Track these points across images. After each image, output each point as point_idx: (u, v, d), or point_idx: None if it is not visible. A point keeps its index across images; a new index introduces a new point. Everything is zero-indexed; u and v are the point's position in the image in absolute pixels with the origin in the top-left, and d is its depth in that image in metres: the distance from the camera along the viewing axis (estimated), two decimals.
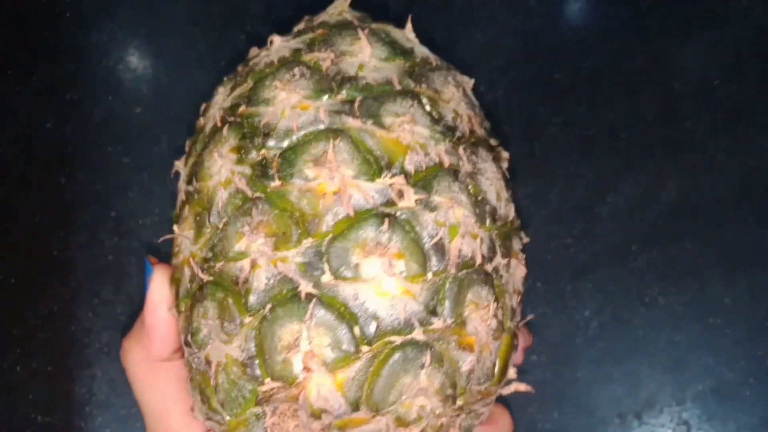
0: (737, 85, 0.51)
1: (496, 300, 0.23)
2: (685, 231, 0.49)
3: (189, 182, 0.26)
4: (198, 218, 0.24)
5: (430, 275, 0.22)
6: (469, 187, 0.24)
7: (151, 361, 0.27)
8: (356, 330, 0.21)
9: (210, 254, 0.23)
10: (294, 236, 0.22)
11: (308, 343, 0.21)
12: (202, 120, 0.29)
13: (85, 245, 0.45)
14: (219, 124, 0.25)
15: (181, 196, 0.26)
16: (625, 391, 0.47)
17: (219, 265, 0.23)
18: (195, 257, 0.23)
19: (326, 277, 0.21)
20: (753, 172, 0.50)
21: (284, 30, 0.49)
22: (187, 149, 0.29)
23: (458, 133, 0.25)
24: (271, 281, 0.22)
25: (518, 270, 0.26)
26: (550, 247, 0.48)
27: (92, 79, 0.48)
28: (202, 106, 0.29)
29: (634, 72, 0.51)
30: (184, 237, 0.24)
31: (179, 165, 0.28)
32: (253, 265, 0.22)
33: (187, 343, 0.24)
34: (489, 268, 0.24)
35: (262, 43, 0.49)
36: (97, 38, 0.49)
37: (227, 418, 0.22)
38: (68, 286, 0.45)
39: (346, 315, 0.21)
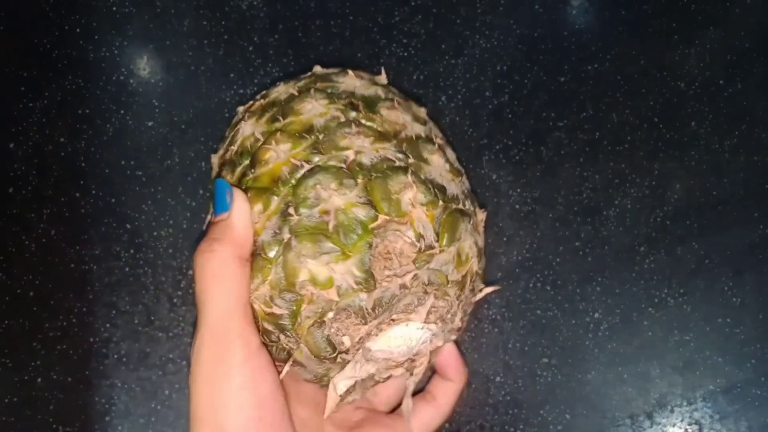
0: (741, 84, 0.51)
1: None
2: (692, 231, 0.49)
3: (273, 122, 0.33)
4: (296, 135, 0.32)
5: (460, 178, 0.35)
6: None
7: (235, 259, 0.30)
8: (434, 190, 0.31)
9: (314, 150, 0.31)
10: (384, 139, 0.32)
11: (413, 187, 0.30)
12: (262, 101, 0.36)
13: (101, 258, 0.46)
14: (297, 92, 0.34)
15: (260, 136, 0.33)
16: (635, 391, 0.47)
17: (326, 156, 0.31)
18: (297, 156, 0.31)
19: (411, 160, 0.32)
20: (759, 171, 0.50)
21: (292, 40, 0.50)
22: (244, 116, 0.36)
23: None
24: (374, 160, 0.31)
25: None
26: (558, 251, 0.49)
27: (103, 94, 0.49)
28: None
29: (638, 74, 0.52)
30: (279, 150, 0.32)
31: (241, 110, 0.37)
32: (358, 152, 0.31)
33: (288, 214, 0.30)
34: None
35: (270, 54, 0.50)
36: (107, 53, 0.50)
37: (341, 249, 0.29)
38: (85, 299, 0.45)
39: (427, 180, 0.31)
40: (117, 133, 0.48)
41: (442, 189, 0.32)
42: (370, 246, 0.29)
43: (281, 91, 0.36)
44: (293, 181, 0.30)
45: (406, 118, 0.34)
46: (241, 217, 0.30)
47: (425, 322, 0.30)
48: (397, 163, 0.31)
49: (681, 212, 0.49)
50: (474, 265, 0.32)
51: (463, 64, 0.51)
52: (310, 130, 0.32)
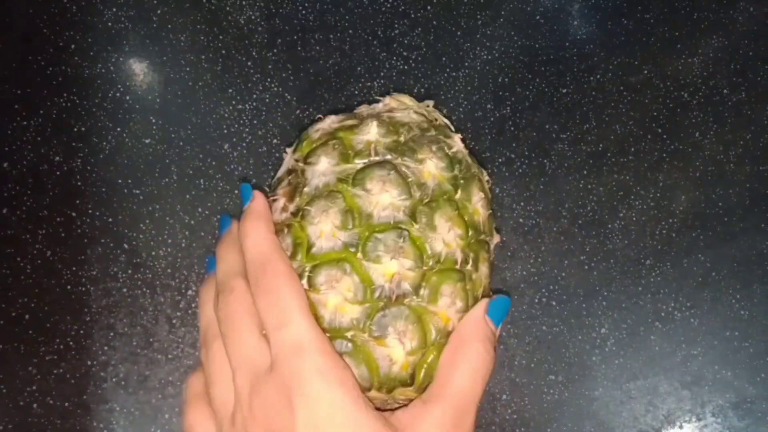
0: (745, 93, 0.51)
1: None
2: (698, 243, 0.48)
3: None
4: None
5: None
6: None
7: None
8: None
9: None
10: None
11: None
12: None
13: (98, 279, 0.45)
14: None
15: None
16: (643, 408, 0.46)
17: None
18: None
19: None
20: (765, 181, 0.50)
21: (291, 55, 0.49)
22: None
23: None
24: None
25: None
26: (563, 265, 0.48)
27: (99, 111, 0.48)
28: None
29: (641, 84, 0.51)
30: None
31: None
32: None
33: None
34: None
35: (268, 69, 0.49)
36: (103, 69, 0.49)
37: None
38: (82, 321, 0.45)
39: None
40: (114, 150, 0.47)
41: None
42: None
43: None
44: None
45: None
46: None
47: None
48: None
49: (687, 224, 0.49)
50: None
51: (464, 77, 0.50)
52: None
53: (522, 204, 0.49)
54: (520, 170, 0.49)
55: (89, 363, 0.44)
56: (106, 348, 0.44)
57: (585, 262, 0.48)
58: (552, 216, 0.49)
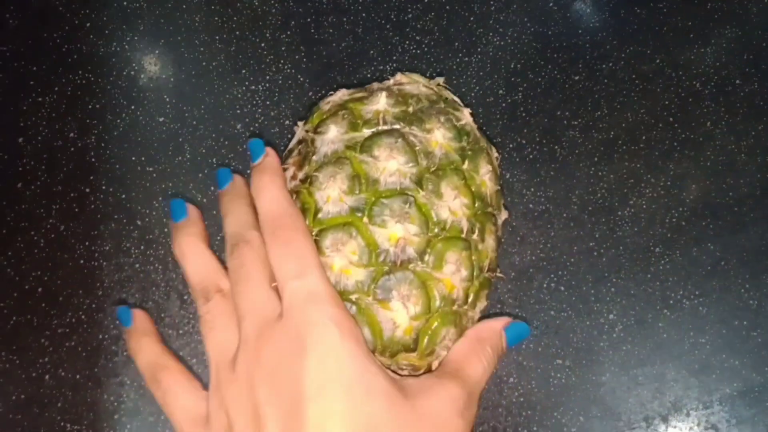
0: (758, 84, 0.51)
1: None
2: (708, 232, 0.48)
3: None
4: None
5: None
6: None
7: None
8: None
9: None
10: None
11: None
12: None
13: (111, 254, 0.46)
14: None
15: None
16: (650, 394, 0.46)
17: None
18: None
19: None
20: None
21: (304, 37, 0.50)
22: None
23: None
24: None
25: None
26: (572, 251, 0.48)
27: (114, 90, 0.48)
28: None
29: (653, 73, 0.51)
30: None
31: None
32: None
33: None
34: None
35: (282, 51, 0.49)
36: (118, 48, 0.49)
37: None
38: (95, 295, 0.45)
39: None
40: (127, 128, 0.48)
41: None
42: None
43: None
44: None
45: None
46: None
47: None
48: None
49: (697, 213, 0.49)
50: None
51: (476, 62, 0.51)
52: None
53: (532, 189, 0.49)
54: (531, 156, 0.49)
55: (101, 337, 0.44)
56: (117, 322, 0.45)
57: (594, 249, 0.48)
58: (562, 202, 0.49)
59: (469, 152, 0.33)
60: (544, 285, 0.47)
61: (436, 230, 0.30)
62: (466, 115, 0.35)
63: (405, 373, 0.31)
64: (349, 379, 0.26)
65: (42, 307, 0.45)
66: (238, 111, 0.49)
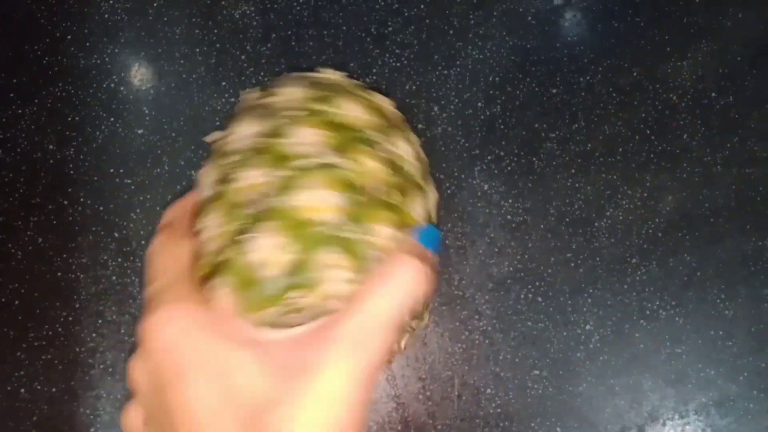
0: (733, 97, 0.52)
1: None
2: (684, 243, 0.49)
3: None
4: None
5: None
6: None
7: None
8: None
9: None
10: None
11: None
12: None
13: (88, 267, 0.46)
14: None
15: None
16: (627, 404, 0.47)
17: (282, 199, 0.29)
18: (258, 186, 0.30)
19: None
20: (751, 184, 0.50)
21: (285, 50, 0.50)
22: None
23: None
24: None
25: None
26: (549, 261, 0.48)
27: (93, 102, 0.49)
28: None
29: (630, 86, 0.52)
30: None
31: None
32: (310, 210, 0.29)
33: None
34: None
35: (262, 63, 0.50)
36: (98, 61, 0.49)
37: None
38: (71, 308, 0.45)
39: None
40: (106, 140, 0.48)
41: None
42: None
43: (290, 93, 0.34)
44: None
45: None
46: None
47: None
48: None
49: (673, 224, 0.49)
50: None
51: (455, 75, 0.51)
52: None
53: (510, 201, 0.49)
54: (509, 168, 0.50)
55: (77, 350, 0.44)
56: (94, 335, 0.45)
57: (571, 260, 0.48)
58: (540, 213, 0.49)
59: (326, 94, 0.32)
60: (522, 296, 0.48)
61: (290, 166, 0.29)
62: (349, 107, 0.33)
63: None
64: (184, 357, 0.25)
65: (18, 319, 0.44)
66: (218, 123, 0.49)
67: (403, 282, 0.27)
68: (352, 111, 0.32)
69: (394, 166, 0.31)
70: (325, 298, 0.27)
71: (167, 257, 0.29)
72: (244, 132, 0.31)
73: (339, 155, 0.29)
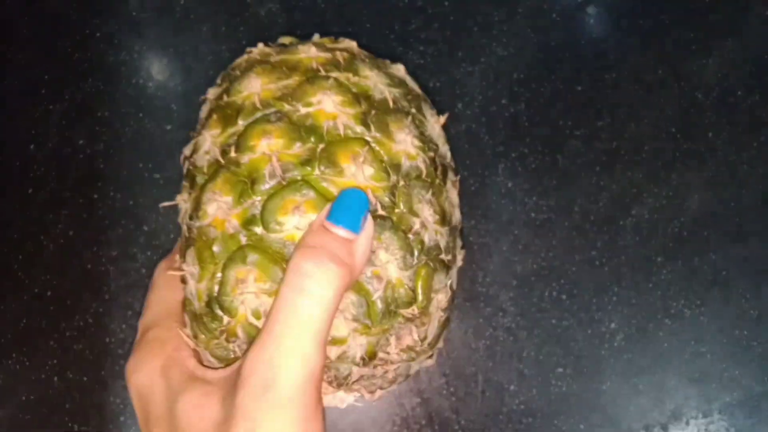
0: (759, 95, 0.51)
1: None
2: (709, 243, 0.49)
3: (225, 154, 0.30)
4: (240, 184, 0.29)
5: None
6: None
7: (340, 290, 0.25)
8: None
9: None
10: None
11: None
12: (226, 97, 0.32)
13: (118, 259, 0.46)
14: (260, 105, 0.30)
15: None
16: (651, 403, 0.47)
17: (195, 222, 0.28)
18: (186, 212, 0.31)
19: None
20: None
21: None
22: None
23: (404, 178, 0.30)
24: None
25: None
26: (574, 259, 0.48)
27: (123, 97, 0.49)
28: None
29: (655, 84, 0.51)
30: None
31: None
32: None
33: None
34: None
35: None
36: (127, 57, 0.50)
37: (371, 321, 0.27)
38: (101, 300, 0.46)
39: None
40: (135, 135, 0.49)
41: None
42: (386, 332, 0.27)
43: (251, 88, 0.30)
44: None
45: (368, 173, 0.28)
46: (364, 246, 0.26)
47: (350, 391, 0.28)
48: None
49: (698, 223, 0.49)
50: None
51: (479, 72, 0.51)
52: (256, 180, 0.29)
53: (534, 198, 0.49)
54: (534, 165, 0.50)
55: (107, 340, 0.45)
56: (123, 326, 0.46)
57: (596, 258, 0.48)
58: (564, 211, 0.49)
59: (374, 116, 0.29)
60: (546, 293, 0.48)
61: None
62: (369, 75, 0.30)
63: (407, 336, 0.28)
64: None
65: (51, 310, 0.45)
66: None
67: (299, 288, 0.24)
68: (304, 53, 0.30)
69: (356, 97, 0.29)
70: (254, 315, 0.26)
71: (163, 287, 0.31)
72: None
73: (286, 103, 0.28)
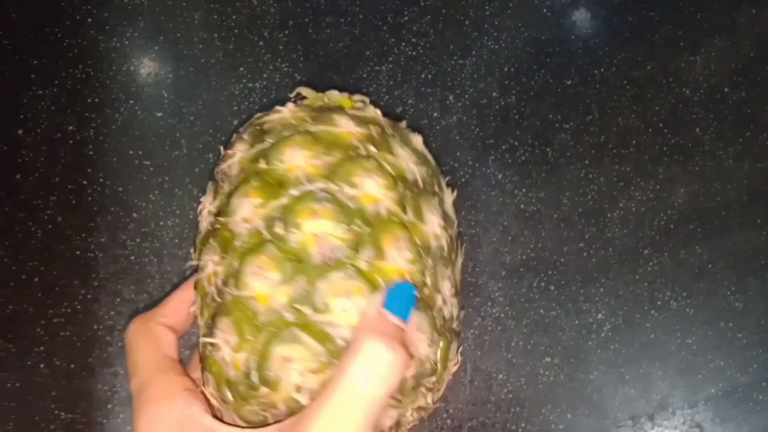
0: (746, 91, 0.52)
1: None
2: (696, 236, 0.49)
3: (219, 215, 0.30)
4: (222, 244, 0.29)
5: None
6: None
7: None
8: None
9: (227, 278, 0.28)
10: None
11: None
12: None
13: (107, 246, 0.46)
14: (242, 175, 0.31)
15: (208, 226, 0.31)
16: (637, 393, 0.47)
17: (232, 290, 0.28)
18: (217, 275, 0.29)
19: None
20: (762, 177, 0.51)
21: (302, 37, 0.50)
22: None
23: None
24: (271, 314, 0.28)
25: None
26: (562, 251, 0.49)
27: (113, 84, 0.49)
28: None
29: (644, 80, 0.52)
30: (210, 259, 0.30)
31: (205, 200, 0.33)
32: (259, 298, 0.28)
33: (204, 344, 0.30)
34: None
35: (279, 50, 0.50)
36: (118, 44, 0.50)
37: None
38: (90, 286, 0.45)
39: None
40: (125, 122, 0.48)
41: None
42: (414, 402, 0.30)
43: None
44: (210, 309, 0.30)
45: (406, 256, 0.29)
46: (412, 337, 0.27)
47: None
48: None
49: (685, 216, 0.50)
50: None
51: (470, 65, 0.52)
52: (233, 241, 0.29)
53: (524, 190, 0.50)
54: (523, 158, 0.50)
55: (95, 327, 0.45)
56: (112, 313, 0.45)
57: (584, 249, 0.49)
58: (553, 203, 0.50)
59: (410, 199, 0.30)
60: (534, 284, 0.48)
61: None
62: (401, 154, 0.31)
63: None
64: None
65: (38, 296, 0.45)
66: (235, 108, 0.49)
67: (368, 370, 0.25)
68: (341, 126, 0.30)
69: (395, 180, 0.29)
70: (297, 390, 0.27)
71: (143, 344, 0.30)
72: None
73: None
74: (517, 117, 0.51)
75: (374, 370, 0.25)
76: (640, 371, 0.47)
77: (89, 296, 0.45)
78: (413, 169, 0.31)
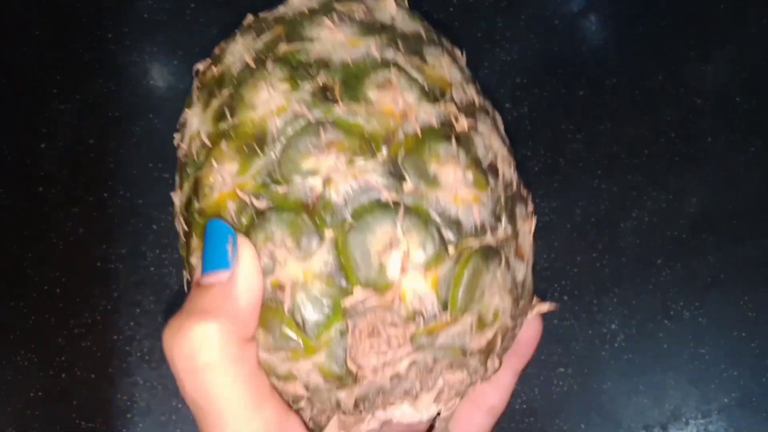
0: (756, 101, 0.52)
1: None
2: (708, 245, 0.50)
3: (220, 120, 0.24)
4: (245, 149, 0.23)
5: (490, 187, 0.23)
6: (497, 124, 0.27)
7: (238, 343, 0.21)
8: (442, 233, 0.22)
9: (268, 179, 0.22)
10: (368, 151, 0.22)
11: (404, 245, 0.21)
12: (214, 69, 0.27)
13: (127, 257, 0.47)
14: (253, 64, 0.24)
15: (206, 140, 0.25)
16: (650, 402, 0.47)
17: (281, 189, 0.22)
18: (244, 187, 0.22)
19: (408, 186, 0.22)
20: None
21: None
22: (195, 97, 0.28)
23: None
24: (351, 194, 0.22)
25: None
26: (575, 261, 0.49)
27: (133, 98, 0.50)
28: (215, 52, 0.28)
29: (655, 89, 0.52)
30: (224, 172, 0.23)
31: (188, 112, 0.28)
32: (327, 181, 0.22)
33: None
34: (524, 192, 0.27)
35: None
36: (138, 58, 0.51)
37: (303, 341, 0.21)
38: (110, 297, 0.46)
39: (431, 220, 0.22)
40: (145, 135, 0.49)
41: (456, 224, 0.22)
42: (344, 333, 0.21)
43: (237, 51, 0.26)
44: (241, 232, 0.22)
45: (410, 97, 0.23)
46: (247, 278, 0.21)
47: (436, 402, 0.23)
48: (384, 198, 0.21)
49: (697, 225, 0.50)
50: (506, 319, 0.23)
51: (483, 76, 0.52)
52: (263, 139, 0.22)
53: (537, 201, 0.50)
54: (536, 168, 0.51)
55: (115, 337, 0.46)
56: (132, 323, 0.46)
57: (597, 259, 0.49)
58: (565, 213, 0.50)
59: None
60: (548, 294, 0.49)
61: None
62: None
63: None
64: None
65: (60, 307, 0.46)
66: None
67: (204, 359, 0.20)
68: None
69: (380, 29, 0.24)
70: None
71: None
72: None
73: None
74: (529, 128, 0.51)
75: (186, 376, 0.20)
76: (653, 381, 0.47)
77: (109, 307, 0.46)
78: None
